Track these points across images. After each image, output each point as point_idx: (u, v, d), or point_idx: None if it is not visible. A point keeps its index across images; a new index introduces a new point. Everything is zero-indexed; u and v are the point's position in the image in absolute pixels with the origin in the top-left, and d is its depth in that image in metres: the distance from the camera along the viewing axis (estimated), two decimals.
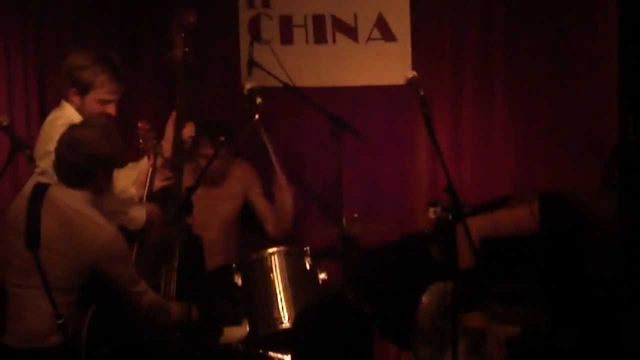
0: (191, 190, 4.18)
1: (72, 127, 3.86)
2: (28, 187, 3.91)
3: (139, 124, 4.36)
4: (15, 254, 3.75)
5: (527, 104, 5.09)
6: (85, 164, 3.72)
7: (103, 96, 4.18)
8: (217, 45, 5.30)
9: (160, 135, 4.48)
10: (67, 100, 4.20)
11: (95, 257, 3.69)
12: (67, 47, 5.22)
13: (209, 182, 4.75)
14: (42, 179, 3.96)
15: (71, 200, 3.74)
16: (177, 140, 4.38)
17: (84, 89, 4.16)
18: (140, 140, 4.31)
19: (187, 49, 4.41)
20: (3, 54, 5.24)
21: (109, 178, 3.83)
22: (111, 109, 4.22)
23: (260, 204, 5.07)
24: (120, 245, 3.76)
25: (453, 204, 3.98)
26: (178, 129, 4.38)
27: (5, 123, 3.92)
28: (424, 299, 4.37)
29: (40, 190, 3.79)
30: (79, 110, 4.19)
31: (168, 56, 4.45)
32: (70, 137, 3.78)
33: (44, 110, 5.13)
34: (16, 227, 3.77)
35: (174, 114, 4.44)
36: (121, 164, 3.90)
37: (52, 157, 3.84)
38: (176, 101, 4.41)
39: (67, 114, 4.15)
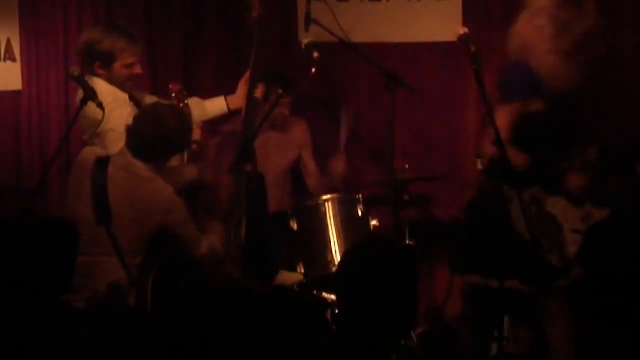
0: (251, 139, 4.34)
1: (158, 105, 4.12)
2: (85, 156, 4.06)
3: (170, 86, 4.52)
4: (83, 224, 3.84)
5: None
6: (156, 141, 3.94)
7: (127, 61, 4.36)
8: (276, 2, 5.36)
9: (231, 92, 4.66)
10: (94, 74, 4.35)
11: (159, 217, 3.89)
12: (134, 10, 5.45)
13: (268, 129, 4.87)
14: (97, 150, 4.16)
15: (135, 168, 3.94)
16: (250, 99, 4.51)
17: (108, 60, 4.34)
18: (173, 101, 4.45)
19: (261, 11, 4.53)
20: (75, 14, 5.42)
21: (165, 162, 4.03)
22: (138, 69, 4.42)
23: (309, 162, 5.20)
24: (179, 205, 3.96)
25: (500, 155, 4.13)
26: (252, 88, 4.50)
27: (76, 73, 4.08)
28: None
29: (103, 163, 3.95)
30: (109, 80, 4.36)
31: (244, 18, 4.57)
32: (153, 112, 4.03)
33: None
34: (82, 199, 3.92)
35: (247, 74, 4.58)
36: (180, 150, 4.10)
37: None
38: (251, 62, 4.52)
39: (100, 90, 4.24)
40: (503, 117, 4.17)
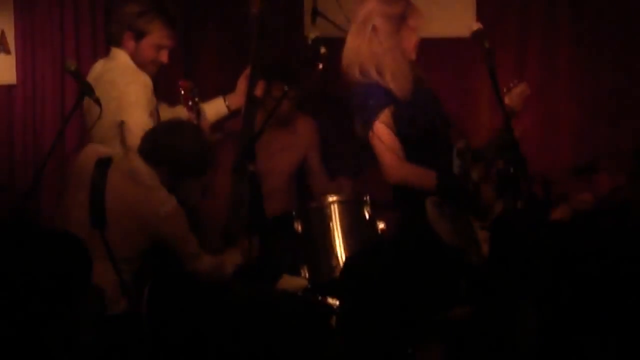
0: (255, 137, 4.26)
1: (185, 121, 4.10)
2: (87, 155, 3.97)
3: (180, 83, 4.45)
4: (78, 227, 3.77)
5: (592, 61, 5.07)
6: (166, 151, 3.85)
7: (159, 41, 4.33)
8: None
9: (229, 91, 4.59)
10: (121, 45, 4.33)
11: (157, 227, 3.80)
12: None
13: (274, 129, 4.78)
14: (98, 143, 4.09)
15: (140, 176, 3.84)
16: (250, 96, 4.46)
17: (140, 34, 4.30)
18: (182, 100, 4.39)
19: (262, 6, 4.47)
20: (72, 4, 5.36)
21: (172, 179, 3.90)
22: (164, 56, 4.37)
23: (314, 164, 5.11)
24: (181, 218, 3.86)
25: (515, 157, 4.01)
26: (251, 85, 4.47)
27: (73, 67, 4.02)
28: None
29: (104, 164, 3.87)
30: (133, 56, 4.32)
31: (243, 13, 4.51)
32: (177, 124, 3.99)
33: None
34: (79, 200, 3.84)
35: (247, 70, 4.52)
36: (189, 174, 3.96)
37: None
38: (250, 58, 4.48)
39: (121, 64, 4.27)
40: (378, 141, 4.18)
